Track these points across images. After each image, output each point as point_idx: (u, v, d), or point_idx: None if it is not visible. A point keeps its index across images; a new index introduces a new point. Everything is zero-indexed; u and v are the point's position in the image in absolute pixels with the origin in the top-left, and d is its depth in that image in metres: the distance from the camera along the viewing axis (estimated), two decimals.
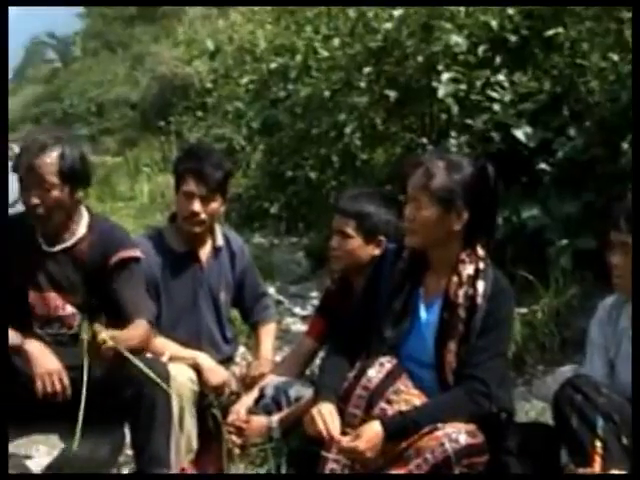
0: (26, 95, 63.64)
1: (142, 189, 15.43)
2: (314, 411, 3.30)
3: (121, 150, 22.51)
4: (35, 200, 3.78)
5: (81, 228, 3.95)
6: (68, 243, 3.92)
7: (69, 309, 3.92)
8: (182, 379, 4.07)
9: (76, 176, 3.84)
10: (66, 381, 3.68)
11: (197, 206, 4.27)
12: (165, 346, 4.22)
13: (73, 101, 39.44)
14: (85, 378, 3.55)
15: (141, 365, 3.59)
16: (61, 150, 3.81)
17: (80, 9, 54.32)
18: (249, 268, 4.69)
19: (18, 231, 3.94)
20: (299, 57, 10.90)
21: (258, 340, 4.68)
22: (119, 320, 3.83)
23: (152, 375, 3.60)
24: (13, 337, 3.73)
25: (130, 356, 3.59)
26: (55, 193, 3.79)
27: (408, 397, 3.33)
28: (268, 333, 4.71)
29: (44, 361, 3.67)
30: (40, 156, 3.78)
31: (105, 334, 3.55)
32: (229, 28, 17.59)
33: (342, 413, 3.30)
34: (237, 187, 11.33)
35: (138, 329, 3.80)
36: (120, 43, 42.17)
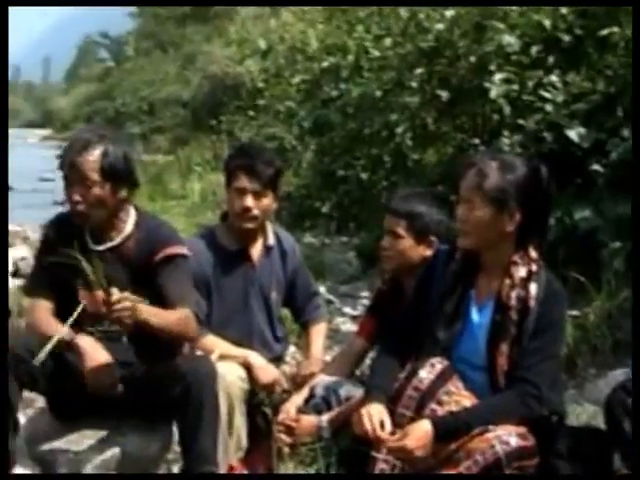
0: (79, 94, 64.43)
1: (193, 188, 15.50)
2: (363, 411, 3.29)
3: (172, 149, 22.69)
4: (77, 197, 3.81)
5: (128, 226, 3.96)
6: (115, 241, 3.94)
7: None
8: (232, 377, 4.09)
9: (118, 174, 3.86)
10: (116, 375, 3.71)
11: (249, 201, 4.29)
12: (215, 344, 4.24)
13: (125, 100, 39.87)
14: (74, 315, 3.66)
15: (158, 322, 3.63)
16: (104, 148, 3.83)
17: (133, 9, 54.87)
18: (300, 267, 4.69)
19: (67, 230, 3.98)
20: (350, 57, 10.92)
21: (309, 339, 4.68)
22: None
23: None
24: (65, 333, 3.77)
25: (151, 318, 3.62)
26: (96, 190, 3.81)
27: (459, 398, 3.31)
28: (319, 333, 4.70)
29: (95, 355, 3.70)
30: (82, 153, 3.81)
31: (120, 295, 3.52)
32: (281, 28, 17.65)
33: (392, 414, 3.29)
34: (288, 186, 11.35)
35: (175, 313, 3.78)
36: (172, 43, 42.51)
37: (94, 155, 3.81)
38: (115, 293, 3.50)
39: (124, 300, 3.51)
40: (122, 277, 3.90)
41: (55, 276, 3.93)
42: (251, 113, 16.58)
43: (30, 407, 5.20)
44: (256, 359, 4.28)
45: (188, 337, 3.91)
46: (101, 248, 3.93)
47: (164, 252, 3.89)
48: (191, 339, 3.96)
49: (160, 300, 3.82)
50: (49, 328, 3.78)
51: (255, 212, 4.31)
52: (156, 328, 3.66)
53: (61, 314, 3.91)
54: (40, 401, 4.91)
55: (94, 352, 3.71)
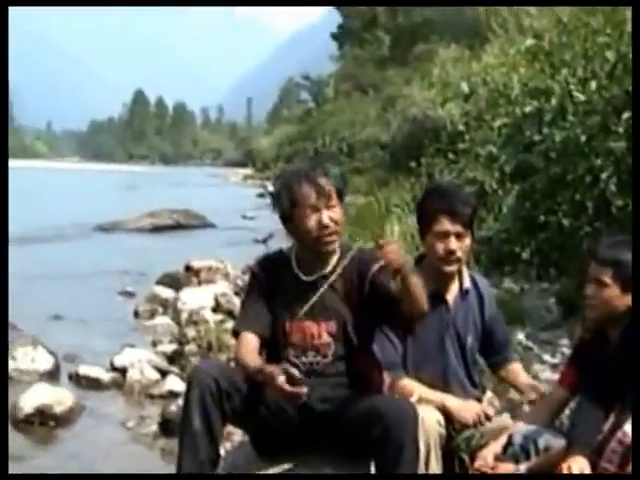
0: (280, 135, 66.15)
1: (392, 230, 15.53)
2: (564, 467, 3.23)
3: (371, 190, 22.85)
4: (326, 220, 3.85)
5: (335, 256, 4.00)
6: (325, 271, 3.98)
7: (325, 338, 3.96)
8: (430, 421, 4.08)
9: (343, 196, 3.94)
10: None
11: (454, 244, 4.28)
12: (413, 387, 4.25)
13: (325, 141, 40.62)
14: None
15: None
16: (333, 171, 3.93)
17: (334, 52, 56.12)
18: (497, 313, 4.64)
19: (277, 265, 4.06)
20: (554, 100, 10.77)
21: (511, 373, 4.60)
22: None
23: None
24: (254, 362, 3.83)
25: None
26: (333, 214, 3.86)
27: None
28: (520, 368, 4.66)
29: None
30: (322, 175, 3.89)
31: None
32: (482, 71, 17.61)
33: (594, 466, 3.22)
34: (488, 230, 11.26)
35: None
36: (372, 85, 43.22)
37: (333, 177, 3.92)
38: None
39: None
40: (337, 305, 3.95)
41: (263, 312, 4.00)
42: (451, 156, 16.54)
43: (228, 440, 5.33)
44: (453, 402, 4.26)
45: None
46: (311, 278, 3.98)
47: (374, 268, 3.88)
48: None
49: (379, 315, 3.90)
50: (253, 364, 3.82)
51: (459, 254, 4.31)
52: None
53: (266, 348, 4.00)
54: (239, 434, 5.01)
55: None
